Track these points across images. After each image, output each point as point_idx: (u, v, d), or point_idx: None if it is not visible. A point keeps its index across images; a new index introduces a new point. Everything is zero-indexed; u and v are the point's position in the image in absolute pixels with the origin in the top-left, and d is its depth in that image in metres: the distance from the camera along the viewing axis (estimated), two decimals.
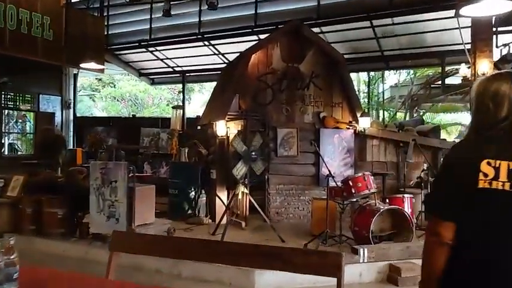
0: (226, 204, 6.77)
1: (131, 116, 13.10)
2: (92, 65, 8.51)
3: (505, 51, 7.53)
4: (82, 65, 9.22)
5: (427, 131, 8.82)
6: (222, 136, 7.82)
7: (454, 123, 12.76)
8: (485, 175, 1.58)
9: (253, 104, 8.18)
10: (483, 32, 7.71)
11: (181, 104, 8.77)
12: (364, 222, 5.82)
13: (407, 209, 6.31)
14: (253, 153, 6.27)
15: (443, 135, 12.75)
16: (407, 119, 11.75)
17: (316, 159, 8.38)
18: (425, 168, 7.18)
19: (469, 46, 8.11)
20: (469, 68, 8.19)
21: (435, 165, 8.70)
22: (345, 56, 10.67)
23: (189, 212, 8.13)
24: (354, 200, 6.06)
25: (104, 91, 20.48)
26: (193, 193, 8.20)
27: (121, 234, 3.14)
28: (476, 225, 1.61)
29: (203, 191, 8.11)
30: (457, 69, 9.49)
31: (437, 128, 9.07)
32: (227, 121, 7.96)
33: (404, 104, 12.04)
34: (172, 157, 8.23)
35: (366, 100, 13.27)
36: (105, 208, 5.92)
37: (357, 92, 14.78)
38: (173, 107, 8.38)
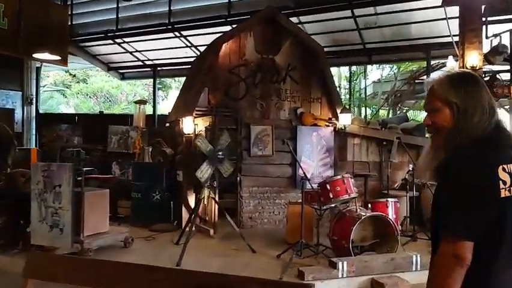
0: (192, 209, 6.03)
1: (98, 113, 12.22)
2: (47, 55, 7.68)
3: (495, 42, 6.95)
4: (38, 56, 8.36)
5: (412, 128, 8.23)
6: (188, 134, 7.10)
7: None
8: (504, 182, 1.53)
9: (224, 99, 7.47)
10: (472, 22, 7.14)
11: (145, 100, 7.99)
12: (343, 231, 5.16)
13: (391, 215, 5.69)
14: (220, 153, 5.55)
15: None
16: (391, 116, 11.17)
17: (293, 159, 7.70)
18: (410, 169, 6.55)
19: (456, 38, 7.54)
20: (456, 60, 7.61)
21: None
22: (326, 49, 9.98)
23: (153, 217, 7.38)
24: (332, 205, 5.40)
25: (75, 87, 19.46)
26: (157, 197, 7.46)
27: (38, 256, 2.50)
28: (497, 240, 1.54)
29: (168, 195, 7.37)
30: (443, 63, 8.94)
31: (422, 126, 8.47)
32: (195, 117, 7.25)
33: (388, 101, 11.47)
34: (135, 157, 7.48)
35: (347, 96, 12.64)
36: (48, 216, 5.14)
37: (338, 88, 14.22)
38: (135, 102, 7.61)
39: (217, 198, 6.45)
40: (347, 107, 8.97)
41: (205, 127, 6.67)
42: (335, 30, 9.36)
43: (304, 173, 5.45)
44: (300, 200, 5.95)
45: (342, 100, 13.64)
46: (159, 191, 7.42)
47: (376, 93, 12.13)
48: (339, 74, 13.61)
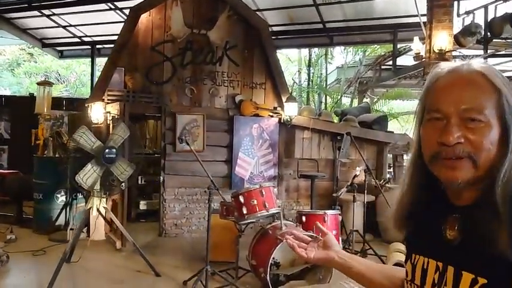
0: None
1: (28, 95, 10.79)
2: None
3: (468, 21, 5.83)
4: None
5: (371, 121, 7.09)
6: (98, 123, 5.82)
7: (408, 111, 11.11)
8: None
9: (144, 82, 6.20)
10: None
11: (50, 81, 6.64)
12: (262, 255, 4.01)
13: (330, 230, 4.51)
14: (112, 150, 4.30)
15: (394, 125, 11.12)
16: (355, 105, 10.04)
17: (229, 155, 6.52)
18: (358, 171, 5.41)
19: (425, 19, 6.43)
20: (423, 43, 6.48)
21: (379, 165, 7.03)
22: (281, 28, 8.84)
23: (57, 223, 6.14)
24: (247, 222, 4.22)
25: (24, 66, 17.80)
26: (62, 199, 6.19)
27: None
28: None
29: (77, 196, 6.12)
30: (410, 47, 7.82)
31: (384, 118, 7.35)
32: (107, 103, 5.97)
33: (350, 88, 10.32)
34: (37, 150, 6.20)
35: (307, 83, 11.41)
36: None
37: (298, 73, 13.01)
38: (38, 83, 6.28)
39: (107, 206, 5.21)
40: (305, 95, 7.79)
41: (112, 116, 5.39)
42: (289, 5, 8.09)
43: (212, 180, 4.22)
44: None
45: (302, 87, 12.54)
46: (65, 192, 6.16)
47: (339, 80, 10.96)
48: (299, 57, 12.39)
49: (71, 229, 5.58)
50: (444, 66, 0.95)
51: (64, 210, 6.14)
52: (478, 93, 0.88)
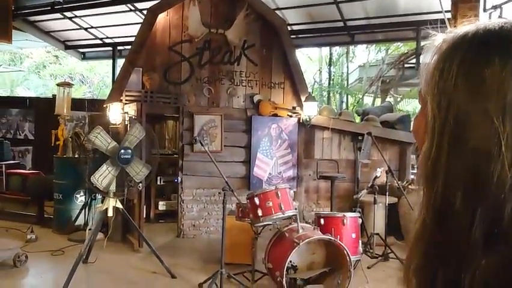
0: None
1: (51, 97, 10.96)
2: None
3: (495, 16, 5.59)
4: None
5: (393, 121, 6.89)
6: (116, 124, 5.83)
7: None
8: None
9: (162, 82, 6.18)
10: None
11: (70, 82, 6.68)
12: (279, 258, 3.91)
13: (349, 234, 4.42)
14: (128, 151, 4.28)
15: None
16: (377, 105, 9.81)
17: (248, 156, 6.44)
18: (378, 173, 5.24)
19: (449, 15, 6.20)
20: None
21: (402, 166, 6.83)
22: (301, 26, 8.71)
23: (77, 223, 6.18)
24: (263, 224, 4.12)
25: (49, 69, 18.18)
26: (81, 198, 6.23)
27: None
28: None
29: (96, 197, 6.14)
30: None
31: (407, 117, 7.13)
32: (125, 104, 5.98)
33: (372, 87, 10.09)
34: (58, 151, 6.25)
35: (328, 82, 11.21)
36: None
37: (319, 72, 12.80)
38: (58, 84, 6.34)
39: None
40: (326, 94, 7.65)
41: (129, 117, 5.38)
42: (309, 3, 7.95)
43: (227, 181, 4.14)
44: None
45: (323, 87, 12.31)
46: (84, 192, 6.20)
47: (361, 79, 10.72)
48: (320, 56, 12.17)
49: (90, 229, 5.59)
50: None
51: (83, 211, 6.18)
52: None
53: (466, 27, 0.62)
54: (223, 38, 6.31)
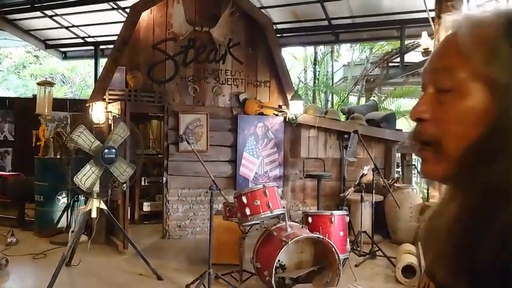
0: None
1: (32, 97, 10.73)
2: None
3: None
4: None
5: (379, 119, 6.91)
6: (99, 123, 5.71)
7: None
8: None
9: (146, 81, 6.08)
10: None
11: (51, 81, 6.49)
12: (267, 258, 3.86)
13: (337, 232, 4.40)
14: (112, 150, 4.17)
15: (403, 124, 10.90)
16: (362, 103, 9.84)
17: (234, 156, 6.38)
18: (365, 171, 5.24)
19: (433, 14, 6.24)
20: (432, 38, 6.29)
21: (388, 164, 6.85)
22: (286, 25, 8.70)
23: (59, 225, 6.04)
24: (251, 224, 4.07)
25: (29, 69, 17.79)
26: (63, 200, 6.08)
27: None
28: None
29: (79, 198, 6.01)
30: (418, 43, 7.64)
31: (392, 116, 7.16)
32: (108, 103, 5.86)
33: (357, 86, 10.12)
34: (39, 152, 6.09)
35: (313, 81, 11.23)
36: None
37: (304, 71, 12.81)
38: (39, 83, 6.16)
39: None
40: (311, 93, 7.64)
41: (113, 116, 5.27)
42: (294, 2, 7.93)
43: (213, 180, 4.08)
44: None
45: (308, 86, 12.32)
46: (66, 193, 6.06)
47: (346, 78, 10.76)
48: (305, 55, 12.18)
49: (72, 232, 5.46)
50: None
51: (65, 213, 6.04)
52: (449, 49, 0.63)
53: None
54: (208, 36, 6.24)
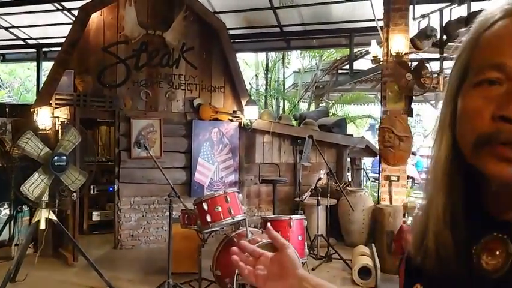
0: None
1: None
2: None
3: (423, 24, 5.92)
4: None
5: (330, 124, 7.07)
6: (45, 130, 5.41)
7: (364, 115, 11.28)
8: None
9: (96, 85, 5.84)
10: (398, 1, 6.08)
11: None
12: (228, 265, 3.79)
13: (296, 236, 4.41)
14: (62, 158, 3.96)
15: (352, 129, 11.26)
16: (312, 109, 10.05)
17: (189, 162, 6.27)
18: (322, 174, 5.34)
19: (381, 23, 6.48)
20: (381, 46, 6.53)
21: (339, 168, 7.01)
22: (238, 31, 8.68)
23: (0, 238, 5.63)
24: (211, 231, 4.00)
25: None
26: (5, 211, 5.70)
27: None
28: None
29: (23, 209, 5.65)
30: (367, 51, 7.91)
31: (342, 121, 7.37)
32: (55, 108, 5.57)
33: (307, 92, 10.35)
34: None
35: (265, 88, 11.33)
36: None
37: (255, 77, 12.90)
38: None
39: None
40: (263, 100, 7.67)
41: (61, 121, 5.02)
42: (246, 8, 7.97)
43: (173, 188, 3.98)
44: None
45: (259, 92, 12.44)
46: (8, 204, 5.67)
47: (297, 85, 10.96)
48: (256, 61, 12.29)
49: (16, 245, 5.12)
50: (497, 7, 0.60)
51: (7, 225, 5.64)
52: None
53: None
54: (161, 40, 6.11)
